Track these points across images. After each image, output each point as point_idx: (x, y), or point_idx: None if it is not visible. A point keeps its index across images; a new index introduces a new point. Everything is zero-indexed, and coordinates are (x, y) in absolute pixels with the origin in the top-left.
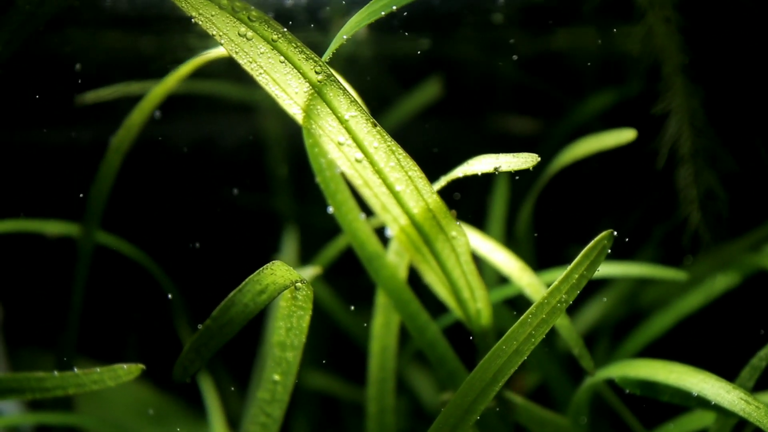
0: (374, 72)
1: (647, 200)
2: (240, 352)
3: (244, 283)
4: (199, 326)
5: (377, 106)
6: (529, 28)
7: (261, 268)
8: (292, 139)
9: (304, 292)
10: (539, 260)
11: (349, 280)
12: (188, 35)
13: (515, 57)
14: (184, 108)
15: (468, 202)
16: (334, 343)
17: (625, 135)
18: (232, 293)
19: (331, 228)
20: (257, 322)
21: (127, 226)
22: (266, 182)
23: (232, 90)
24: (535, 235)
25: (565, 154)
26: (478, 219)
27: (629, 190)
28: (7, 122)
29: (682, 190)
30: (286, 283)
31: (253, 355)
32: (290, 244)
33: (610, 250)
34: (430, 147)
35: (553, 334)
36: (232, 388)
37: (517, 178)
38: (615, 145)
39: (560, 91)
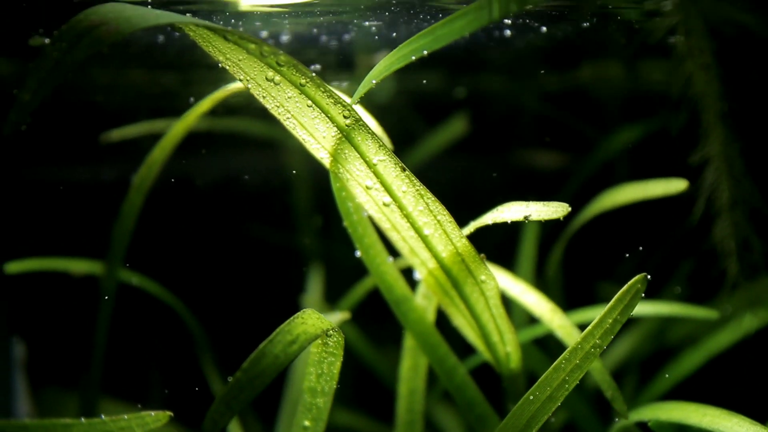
0: (398, 108)
1: (672, 236)
2: (266, 392)
3: (274, 333)
4: (229, 378)
5: (402, 143)
6: (554, 64)
7: (291, 318)
8: (317, 176)
9: (335, 339)
10: (566, 297)
11: (375, 318)
12: (212, 72)
13: (541, 92)
14: (209, 145)
15: (495, 234)
16: (361, 381)
17: (676, 185)
18: (262, 344)
19: (357, 264)
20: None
21: (151, 264)
22: (291, 219)
23: (255, 127)
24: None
25: (606, 199)
26: (504, 252)
27: (654, 226)
28: (33, 160)
29: (720, 241)
30: (317, 332)
31: (278, 396)
32: (315, 282)
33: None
34: (455, 183)
35: None
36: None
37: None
38: (663, 195)
39: (586, 126)
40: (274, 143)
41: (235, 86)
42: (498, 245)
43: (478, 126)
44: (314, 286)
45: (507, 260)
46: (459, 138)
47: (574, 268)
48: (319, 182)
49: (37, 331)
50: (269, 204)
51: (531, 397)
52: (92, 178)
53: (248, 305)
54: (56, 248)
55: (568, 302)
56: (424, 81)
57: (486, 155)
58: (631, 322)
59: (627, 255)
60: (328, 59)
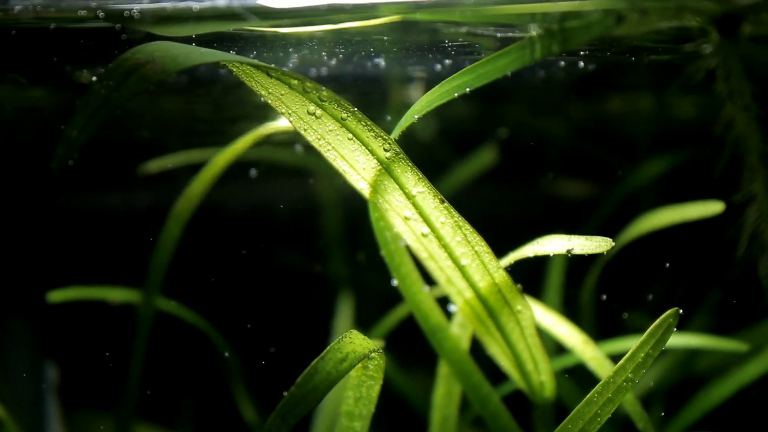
0: (425, 135)
1: (700, 266)
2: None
3: (325, 351)
4: (284, 393)
5: (431, 173)
6: (582, 94)
7: (341, 337)
8: (347, 204)
9: (376, 362)
10: (597, 325)
11: (405, 345)
12: (247, 102)
13: (569, 122)
14: (240, 173)
15: (519, 262)
16: (390, 407)
17: (712, 208)
18: (314, 361)
19: (386, 292)
20: None
21: (183, 289)
22: (321, 246)
23: (288, 156)
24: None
25: (643, 222)
26: (529, 280)
27: (682, 255)
28: (70, 189)
29: (764, 278)
30: (365, 352)
31: (306, 422)
32: (345, 309)
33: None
34: (483, 213)
35: None
36: None
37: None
38: (699, 218)
39: (614, 156)
40: (305, 171)
41: (277, 125)
42: (523, 273)
43: (506, 157)
44: (344, 312)
45: (532, 288)
46: (488, 168)
47: (603, 295)
48: (349, 210)
49: (69, 355)
50: (300, 231)
51: (564, 431)
52: (129, 206)
53: (279, 331)
54: (92, 275)
55: (599, 330)
56: (454, 111)
57: (514, 186)
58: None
59: (655, 284)
60: (360, 92)
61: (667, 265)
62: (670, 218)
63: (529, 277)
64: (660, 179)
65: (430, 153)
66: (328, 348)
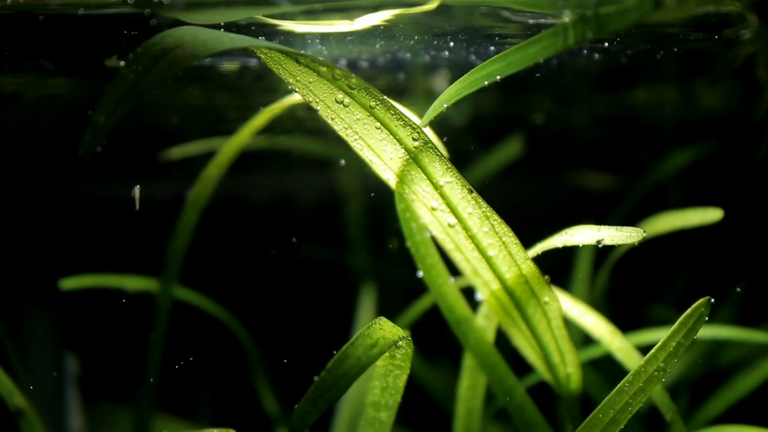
0: (450, 127)
1: (725, 259)
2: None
3: (355, 337)
4: (315, 378)
5: (456, 165)
6: (608, 87)
7: (370, 323)
8: (369, 195)
9: (404, 351)
10: (617, 319)
11: (428, 337)
12: (266, 91)
13: (595, 115)
14: (263, 163)
15: (546, 253)
16: (414, 400)
17: (711, 215)
18: (345, 347)
19: (409, 284)
20: None
21: (204, 280)
22: (343, 238)
23: (310, 145)
24: (620, 295)
25: (646, 227)
26: (555, 272)
27: (705, 248)
28: (89, 178)
29: None
30: (394, 338)
31: (328, 413)
32: (367, 301)
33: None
34: (508, 205)
35: None
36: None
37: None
38: (699, 224)
39: (640, 148)
40: (328, 162)
41: (291, 100)
42: (551, 266)
43: (532, 148)
44: (366, 304)
45: (559, 278)
46: (514, 160)
47: (623, 289)
48: (372, 201)
49: (90, 346)
50: (321, 222)
51: (594, 420)
52: (146, 194)
53: (300, 322)
54: (111, 265)
55: (618, 325)
56: (479, 103)
57: (539, 176)
58: None
59: (679, 277)
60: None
61: (689, 257)
62: (670, 224)
63: (555, 268)
64: (687, 170)
65: (456, 144)
66: (358, 333)
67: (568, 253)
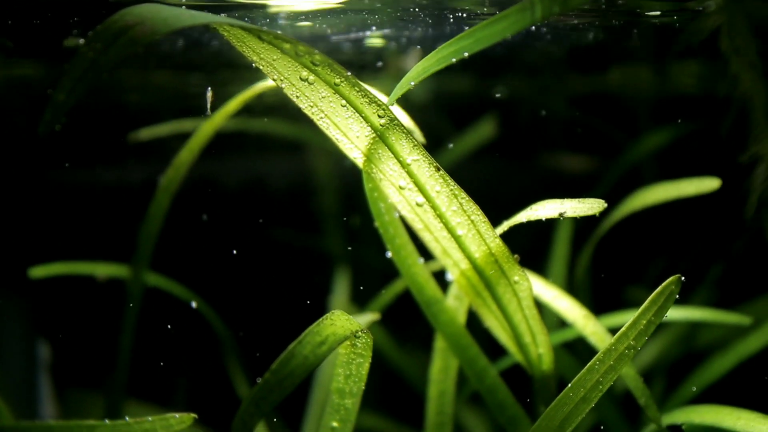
0: (425, 109)
1: (702, 240)
2: (291, 396)
3: (303, 334)
4: (258, 379)
5: (429, 146)
6: (582, 67)
7: (320, 319)
8: (343, 179)
9: (364, 340)
10: (595, 302)
11: (403, 322)
12: (239, 74)
13: (569, 95)
14: (235, 147)
15: (526, 238)
16: (387, 383)
17: (708, 184)
18: (291, 345)
19: (383, 268)
20: None
21: (177, 266)
22: (317, 222)
23: (282, 128)
24: (601, 276)
25: (636, 199)
26: (536, 257)
27: (684, 230)
28: (59, 163)
29: None
30: (346, 334)
31: (304, 397)
32: (342, 284)
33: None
34: (483, 187)
35: None
36: (275, 419)
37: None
38: (696, 194)
39: (614, 130)
40: (301, 146)
41: (263, 86)
42: (529, 250)
43: (506, 129)
44: (341, 288)
45: (538, 264)
46: (487, 141)
47: (601, 271)
48: (345, 185)
49: (62, 333)
50: (295, 206)
51: (565, 399)
52: (118, 180)
53: (274, 308)
54: (82, 251)
55: (595, 306)
56: (452, 84)
57: (514, 159)
58: (659, 326)
59: (656, 259)
60: (356, 62)
61: (667, 240)
62: (664, 195)
63: (534, 252)
64: (662, 150)
65: (429, 126)
66: (306, 331)
67: (546, 236)
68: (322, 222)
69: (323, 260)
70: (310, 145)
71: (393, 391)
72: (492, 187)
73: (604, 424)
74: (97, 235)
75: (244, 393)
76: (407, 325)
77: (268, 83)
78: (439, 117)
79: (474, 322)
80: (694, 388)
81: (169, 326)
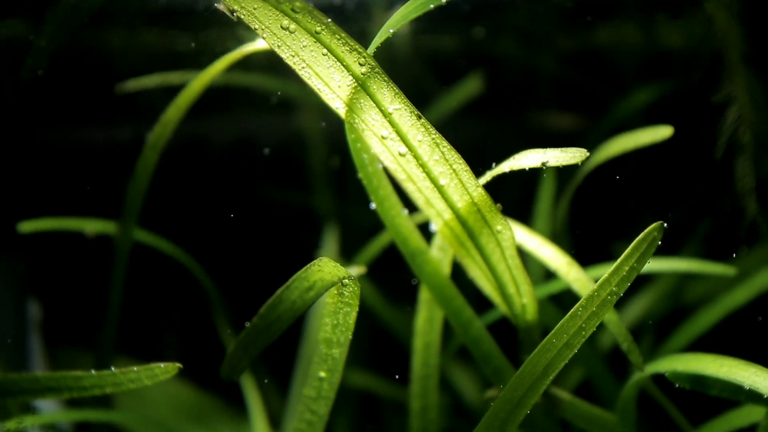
0: (413, 69)
1: (689, 196)
2: (280, 350)
3: (291, 280)
4: (246, 324)
5: (416, 103)
6: (569, 24)
7: (308, 265)
8: (332, 137)
9: (351, 289)
10: (581, 258)
11: (392, 276)
12: (226, 31)
13: (555, 53)
14: (224, 106)
15: (511, 197)
16: (376, 341)
17: (662, 132)
18: (279, 290)
19: (372, 225)
20: (298, 321)
21: (167, 225)
22: (306, 180)
23: (271, 83)
24: (578, 232)
25: (600, 152)
26: (521, 215)
27: (671, 187)
28: (48, 120)
29: (740, 179)
30: (333, 280)
31: (293, 353)
32: (331, 242)
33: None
34: (469, 144)
35: (596, 331)
36: (266, 380)
37: (562, 172)
38: (651, 143)
39: (602, 87)
40: (290, 103)
41: (252, 47)
42: (513, 205)
43: (493, 88)
44: (329, 244)
45: (522, 219)
46: (474, 98)
47: (589, 231)
48: (334, 143)
49: (53, 292)
50: (284, 164)
51: (548, 345)
52: (106, 139)
53: (263, 264)
54: (71, 210)
55: (582, 262)
56: (439, 41)
57: (501, 117)
58: (647, 282)
59: (644, 216)
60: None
61: (655, 197)
62: (623, 146)
63: (517, 205)
64: (648, 108)
65: (414, 83)
66: (294, 277)
67: (530, 190)
68: (311, 179)
69: (312, 217)
70: (299, 103)
71: (381, 348)
72: (478, 145)
73: (592, 379)
74: (86, 194)
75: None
76: (396, 283)
77: (257, 45)
78: (425, 74)
79: (460, 277)
80: (681, 342)
81: (157, 283)
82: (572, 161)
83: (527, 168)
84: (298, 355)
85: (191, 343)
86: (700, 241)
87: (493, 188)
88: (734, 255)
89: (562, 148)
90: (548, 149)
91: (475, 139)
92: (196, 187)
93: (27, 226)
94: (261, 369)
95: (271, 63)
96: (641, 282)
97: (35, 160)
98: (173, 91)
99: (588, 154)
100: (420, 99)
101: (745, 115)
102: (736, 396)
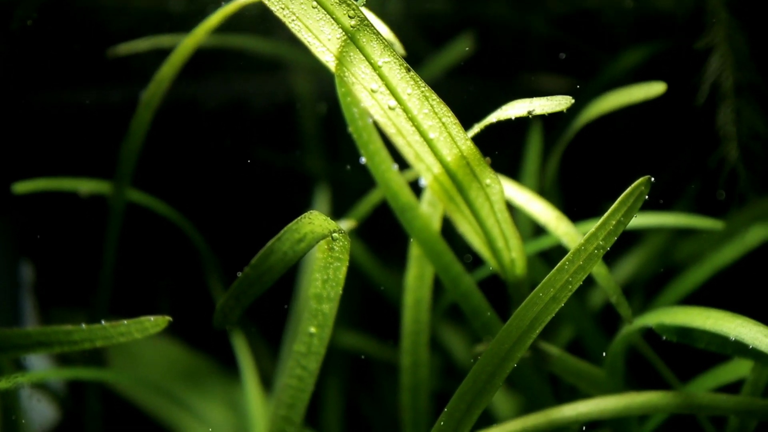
0: (404, 29)
1: (680, 156)
2: (271, 311)
3: (282, 231)
4: (238, 274)
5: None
6: None
7: (299, 218)
8: (324, 98)
9: (341, 243)
10: (571, 215)
11: (384, 238)
12: None
13: (546, 14)
14: (216, 68)
15: (502, 158)
16: (368, 302)
17: (655, 88)
18: (270, 242)
19: (363, 187)
20: (289, 281)
21: (160, 187)
22: (298, 142)
23: (263, 45)
24: (567, 191)
25: (592, 108)
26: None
27: (662, 147)
28: (42, 83)
29: (722, 127)
30: (324, 233)
31: (284, 314)
32: (322, 203)
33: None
34: (460, 106)
35: (587, 290)
36: (252, 330)
37: (550, 128)
38: (644, 99)
39: (593, 49)
40: (281, 65)
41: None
42: (505, 168)
43: (483, 49)
44: (320, 205)
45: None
46: (465, 59)
47: (580, 191)
48: (325, 105)
49: (46, 254)
50: (276, 125)
51: (535, 299)
52: (100, 101)
53: (255, 225)
54: (64, 173)
55: (571, 220)
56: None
57: (492, 78)
58: (636, 240)
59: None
60: None
61: (645, 157)
62: (615, 102)
63: (506, 163)
64: (638, 69)
65: (405, 43)
66: (285, 228)
67: (519, 149)
68: (302, 140)
69: (303, 179)
70: (290, 64)
71: (373, 310)
72: (469, 107)
73: (582, 337)
74: (79, 156)
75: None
76: (389, 245)
77: None
78: (416, 35)
79: (451, 235)
80: (669, 299)
81: (151, 244)
82: (558, 109)
83: (513, 118)
84: (290, 315)
85: (184, 303)
86: (690, 200)
87: (483, 148)
88: (738, 203)
89: (548, 97)
90: (534, 98)
91: (466, 101)
92: (189, 150)
93: (21, 187)
94: (253, 330)
95: (263, 17)
96: (631, 241)
97: (27, 122)
98: (165, 53)
99: (573, 101)
100: (411, 60)
101: (727, 63)
102: (723, 349)
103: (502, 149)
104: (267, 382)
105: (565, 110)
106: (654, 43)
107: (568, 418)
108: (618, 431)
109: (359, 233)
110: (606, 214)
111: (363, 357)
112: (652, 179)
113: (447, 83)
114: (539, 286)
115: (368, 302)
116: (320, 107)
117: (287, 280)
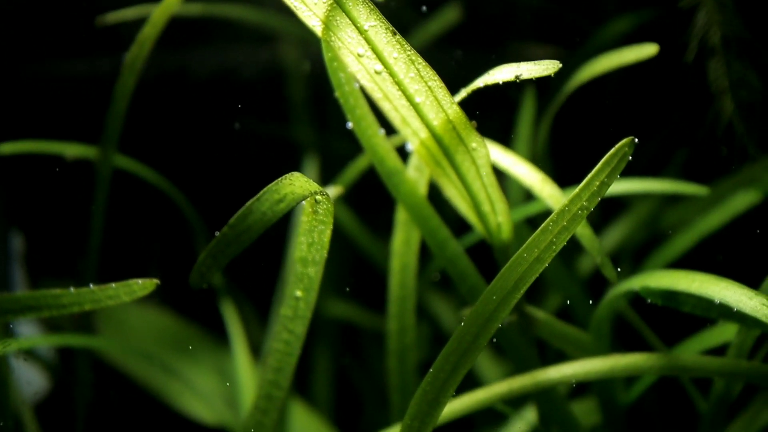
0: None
1: (668, 125)
2: (261, 279)
3: (262, 192)
4: (216, 233)
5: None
6: None
7: (279, 179)
8: (311, 68)
9: (325, 206)
10: (561, 181)
11: (372, 210)
12: None
13: None
14: (204, 38)
15: (492, 125)
16: (355, 271)
17: (647, 50)
18: (249, 201)
19: (352, 156)
20: (277, 251)
21: (150, 157)
22: (286, 111)
23: (251, 14)
24: (559, 156)
25: (583, 71)
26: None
27: (650, 116)
28: (31, 53)
29: (714, 81)
30: (305, 194)
31: (274, 282)
32: (310, 172)
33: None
34: (448, 75)
35: (574, 256)
36: (241, 297)
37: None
38: (636, 61)
39: (582, 18)
40: (269, 35)
41: None
42: (495, 135)
43: (471, 18)
44: (309, 172)
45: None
46: (452, 28)
47: (568, 159)
48: (313, 75)
49: (35, 223)
50: (264, 95)
51: (519, 260)
52: (89, 71)
53: (243, 194)
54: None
55: (561, 186)
56: None
57: (479, 48)
58: (623, 208)
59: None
60: None
61: (634, 124)
62: (608, 64)
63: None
64: (626, 37)
65: (393, 14)
66: (264, 189)
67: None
68: (291, 110)
69: (291, 149)
70: (278, 34)
71: (360, 277)
72: (456, 77)
73: (570, 303)
74: (70, 126)
75: (215, 279)
76: (376, 213)
77: None
78: (403, 4)
79: (438, 202)
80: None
81: (139, 213)
82: (545, 73)
83: (501, 82)
84: (279, 282)
85: (173, 271)
86: (678, 170)
87: (473, 115)
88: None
89: (535, 61)
90: (522, 63)
91: (454, 69)
92: (178, 120)
93: (6, 148)
94: (242, 298)
95: None
96: (618, 210)
97: (17, 93)
98: None
99: (560, 65)
100: (399, 30)
101: (713, 18)
102: (708, 312)
103: (494, 115)
104: (257, 350)
105: (553, 75)
106: (642, 12)
107: (553, 379)
108: (603, 396)
109: (347, 201)
110: (590, 175)
111: (352, 326)
112: (638, 141)
113: (435, 52)
114: (523, 246)
115: (356, 270)
116: (308, 74)
117: (277, 248)
